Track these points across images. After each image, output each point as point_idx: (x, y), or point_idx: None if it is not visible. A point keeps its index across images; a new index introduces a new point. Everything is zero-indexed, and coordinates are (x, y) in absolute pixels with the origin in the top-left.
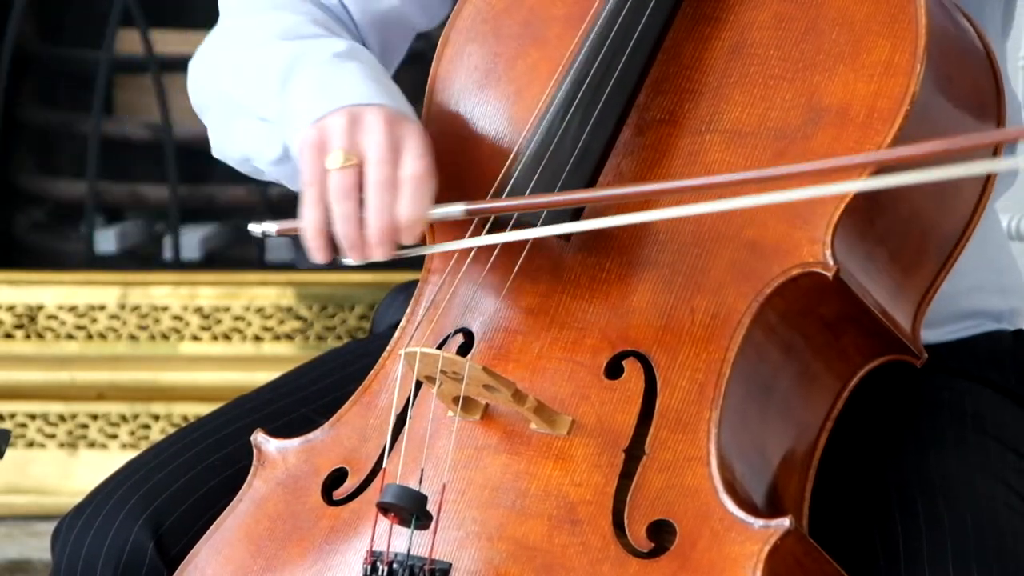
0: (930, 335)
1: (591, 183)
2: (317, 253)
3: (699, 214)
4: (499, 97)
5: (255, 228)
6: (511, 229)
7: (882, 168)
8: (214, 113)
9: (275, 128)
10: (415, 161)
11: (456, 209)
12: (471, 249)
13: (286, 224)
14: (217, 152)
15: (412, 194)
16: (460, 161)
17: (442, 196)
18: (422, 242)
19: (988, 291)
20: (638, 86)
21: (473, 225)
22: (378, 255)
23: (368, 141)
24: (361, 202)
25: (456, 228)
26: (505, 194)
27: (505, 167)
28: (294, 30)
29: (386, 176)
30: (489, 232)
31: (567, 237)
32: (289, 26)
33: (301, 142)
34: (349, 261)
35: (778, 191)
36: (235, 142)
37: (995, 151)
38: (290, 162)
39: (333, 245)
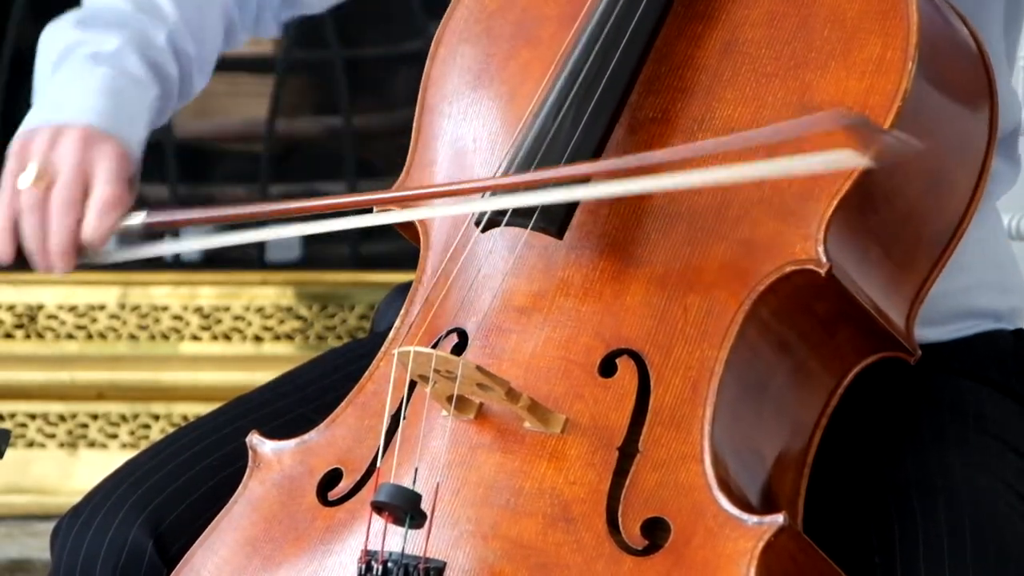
0: (931, 333)
1: (585, 182)
2: (1, 251)
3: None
4: (492, 97)
5: None
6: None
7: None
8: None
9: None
10: (103, 186)
11: (135, 223)
12: (464, 247)
13: None
14: None
15: (97, 219)
16: (453, 162)
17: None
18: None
19: (989, 290)
20: (630, 85)
21: (466, 225)
22: (58, 268)
23: (61, 162)
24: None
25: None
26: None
27: (498, 167)
28: (100, 11)
29: (66, 198)
30: (483, 230)
31: (560, 234)
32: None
33: (13, 142)
34: (39, 266)
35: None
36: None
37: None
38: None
39: (17, 251)
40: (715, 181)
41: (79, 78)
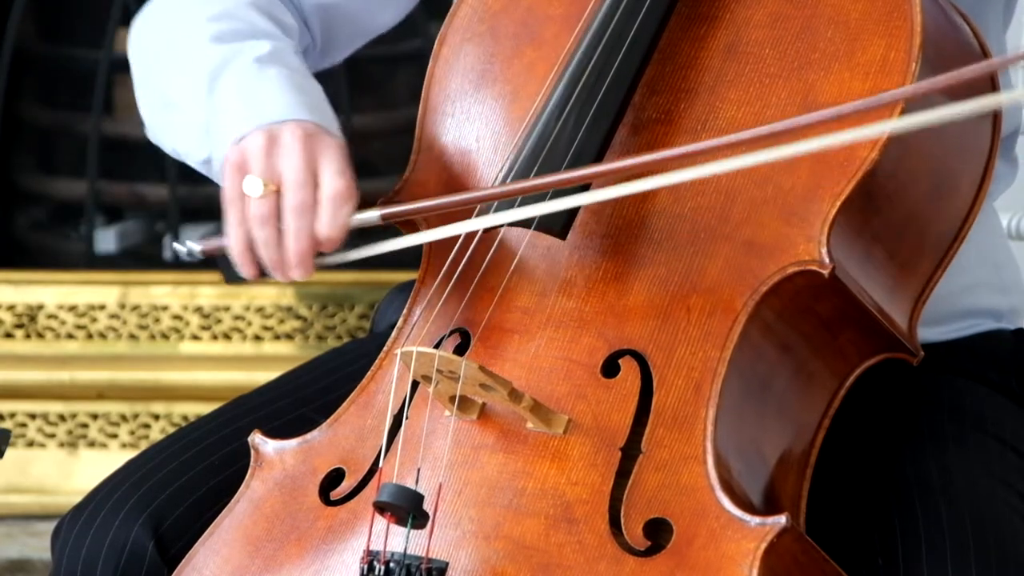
0: (929, 333)
1: (586, 184)
2: (244, 270)
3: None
4: (495, 97)
5: (180, 247)
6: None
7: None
8: (148, 97)
9: (203, 135)
10: (333, 179)
11: (373, 216)
12: (467, 247)
13: (211, 242)
14: (151, 135)
15: (331, 213)
16: (456, 161)
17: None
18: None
19: (987, 289)
20: (633, 86)
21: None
22: (297, 275)
23: (285, 164)
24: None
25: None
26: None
27: (501, 167)
28: (229, 15)
29: (301, 201)
30: (486, 231)
31: (563, 234)
32: (225, 9)
33: (223, 161)
34: (278, 277)
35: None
36: (167, 134)
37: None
38: (214, 168)
39: (257, 264)
40: (721, 170)
41: (256, 81)
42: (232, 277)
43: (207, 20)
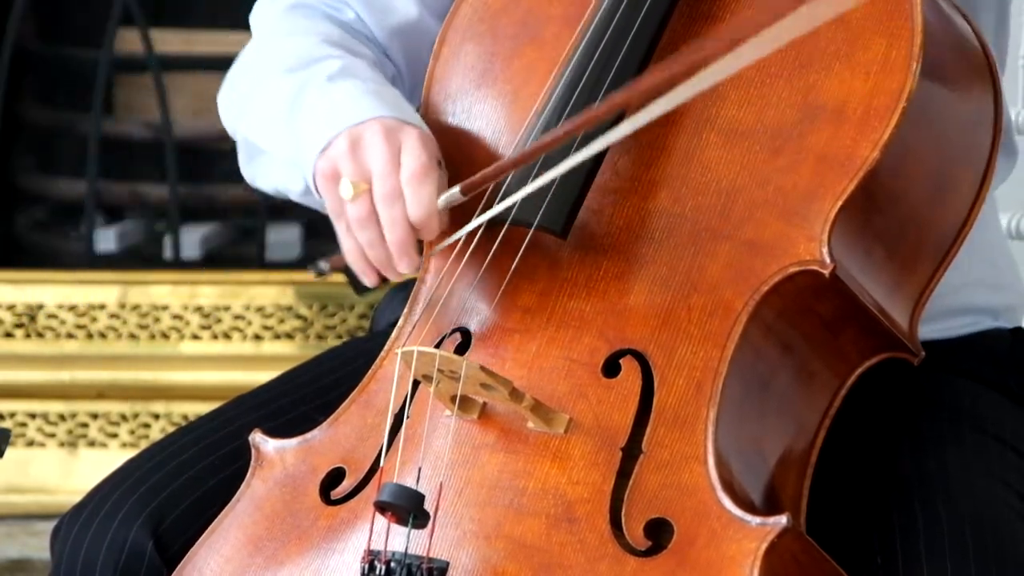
0: (926, 330)
1: (588, 182)
2: (365, 278)
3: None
4: (496, 96)
5: (312, 270)
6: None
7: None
8: (241, 148)
9: (294, 165)
10: (411, 161)
11: (454, 191)
12: (468, 246)
13: (336, 258)
14: (250, 181)
15: (415, 193)
16: (457, 161)
17: None
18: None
19: (984, 287)
20: None
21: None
22: (405, 268)
23: (371, 159)
24: None
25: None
26: (501, 194)
27: None
28: (304, 55)
29: (390, 188)
30: (488, 224)
31: (564, 234)
32: (299, 52)
33: (316, 177)
34: (391, 277)
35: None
36: (264, 177)
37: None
38: (315, 194)
39: (374, 268)
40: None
41: (331, 96)
42: (359, 288)
43: (284, 72)
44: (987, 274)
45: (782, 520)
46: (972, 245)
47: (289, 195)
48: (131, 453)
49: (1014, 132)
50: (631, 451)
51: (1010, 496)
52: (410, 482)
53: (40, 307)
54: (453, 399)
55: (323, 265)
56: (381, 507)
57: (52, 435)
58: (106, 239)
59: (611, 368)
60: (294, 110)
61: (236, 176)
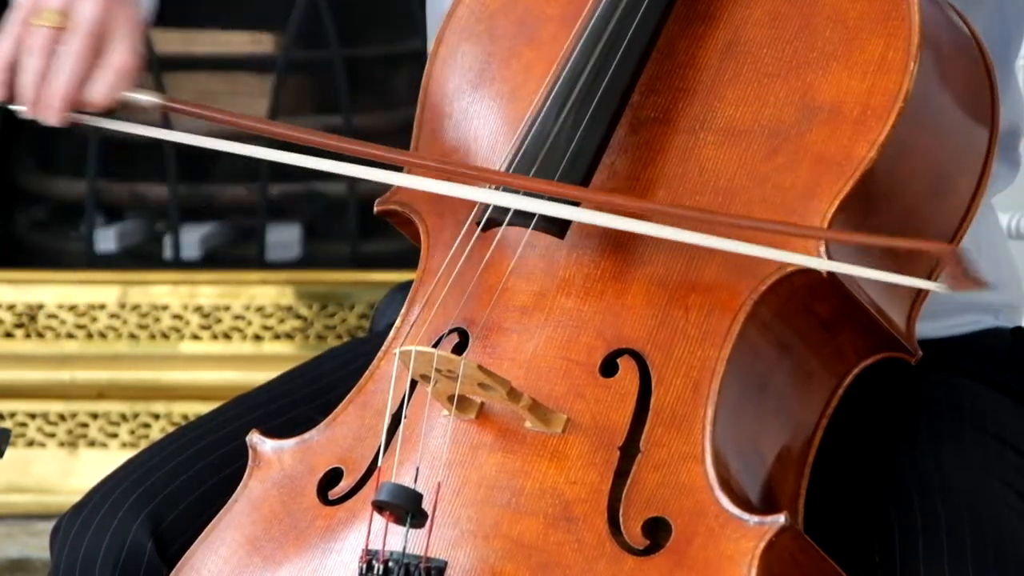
0: (925, 328)
1: (585, 182)
2: None
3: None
4: (493, 97)
5: None
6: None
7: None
8: None
9: None
10: (123, 53)
11: (152, 99)
12: (466, 247)
13: None
14: None
15: (112, 82)
16: (454, 160)
17: None
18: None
19: None
20: (632, 85)
21: (467, 224)
22: (50, 116)
23: (80, 12)
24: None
25: (454, 231)
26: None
27: (499, 166)
28: None
29: (83, 48)
30: (484, 230)
31: (562, 233)
32: None
33: None
34: (22, 112)
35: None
36: None
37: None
38: None
39: (11, 90)
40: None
41: None
42: None
43: None
44: (988, 273)
45: (780, 519)
46: (973, 244)
47: None
48: (131, 453)
49: (1019, 137)
50: (629, 450)
51: (1010, 495)
52: (408, 482)
53: (40, 307)
54: (451, 399)
55: None
56: (379, 507)
57: (52, 435)
58: (106, 239)
59: (609, 368)
60: None
61: (236, 176)
